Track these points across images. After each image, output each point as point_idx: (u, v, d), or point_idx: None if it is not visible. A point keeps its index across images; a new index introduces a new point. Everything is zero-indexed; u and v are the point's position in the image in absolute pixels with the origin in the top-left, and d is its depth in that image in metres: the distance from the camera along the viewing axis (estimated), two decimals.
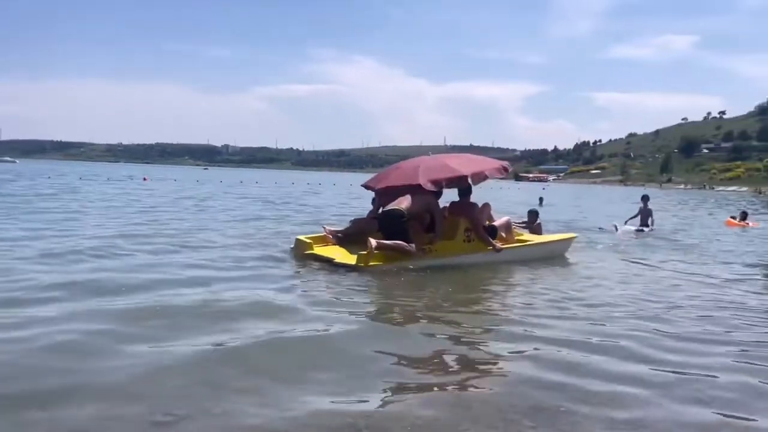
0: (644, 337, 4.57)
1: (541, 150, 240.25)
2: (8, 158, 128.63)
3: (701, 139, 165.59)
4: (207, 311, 4.78)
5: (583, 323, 5.02)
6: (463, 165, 8.43)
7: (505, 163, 9.19)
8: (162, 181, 43.80)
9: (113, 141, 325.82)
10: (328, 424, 2.84)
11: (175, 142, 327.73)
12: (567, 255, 9.12)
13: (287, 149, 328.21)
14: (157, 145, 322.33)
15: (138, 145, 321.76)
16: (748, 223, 17.29)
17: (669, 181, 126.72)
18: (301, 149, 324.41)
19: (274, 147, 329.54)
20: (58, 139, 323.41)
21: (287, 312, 4.93)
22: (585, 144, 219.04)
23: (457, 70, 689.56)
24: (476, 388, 3.52)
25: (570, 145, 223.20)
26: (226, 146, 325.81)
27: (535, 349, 4.19)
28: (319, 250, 7.64)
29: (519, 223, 10.50)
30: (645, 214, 14.61)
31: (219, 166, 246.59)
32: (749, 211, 20.18)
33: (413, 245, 7.22)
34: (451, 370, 3.90)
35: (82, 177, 42.75)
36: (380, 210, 7.86)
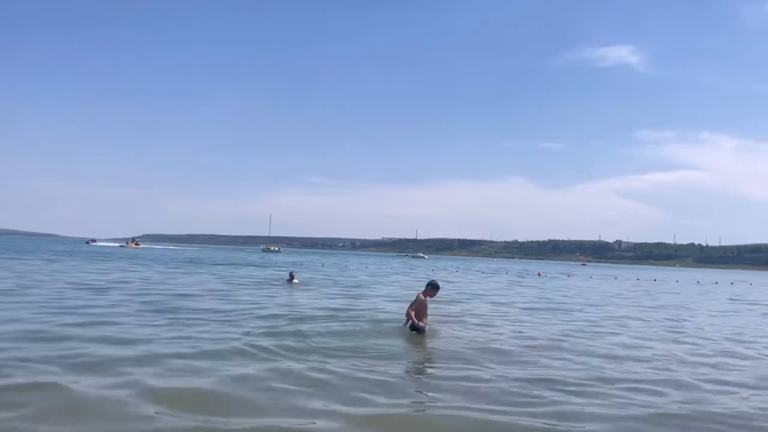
0: None
1: None
2: (421, 254, 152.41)
3: None
4: None
5: None
6: None
7: None
8: (553, 279, 46.42)
9: (510, 239, 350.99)
10: None
11: (567, 238, 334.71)
12: None
13: (688, 245, 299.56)
14: (551, 241, 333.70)
15: (532, 242, 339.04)
16: None
17: None
18: (705, 245, 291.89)
19: (673, 243, 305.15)
20: (463, 238, 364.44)
21: None
22: None
23: None
24: None
25: None
26: (619, 242, 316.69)
27: None
28: None
29: None
30: None
31: (612, 262, 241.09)
32: None
33: None
34: None
35: (484, 271, 48.55)
36: None
